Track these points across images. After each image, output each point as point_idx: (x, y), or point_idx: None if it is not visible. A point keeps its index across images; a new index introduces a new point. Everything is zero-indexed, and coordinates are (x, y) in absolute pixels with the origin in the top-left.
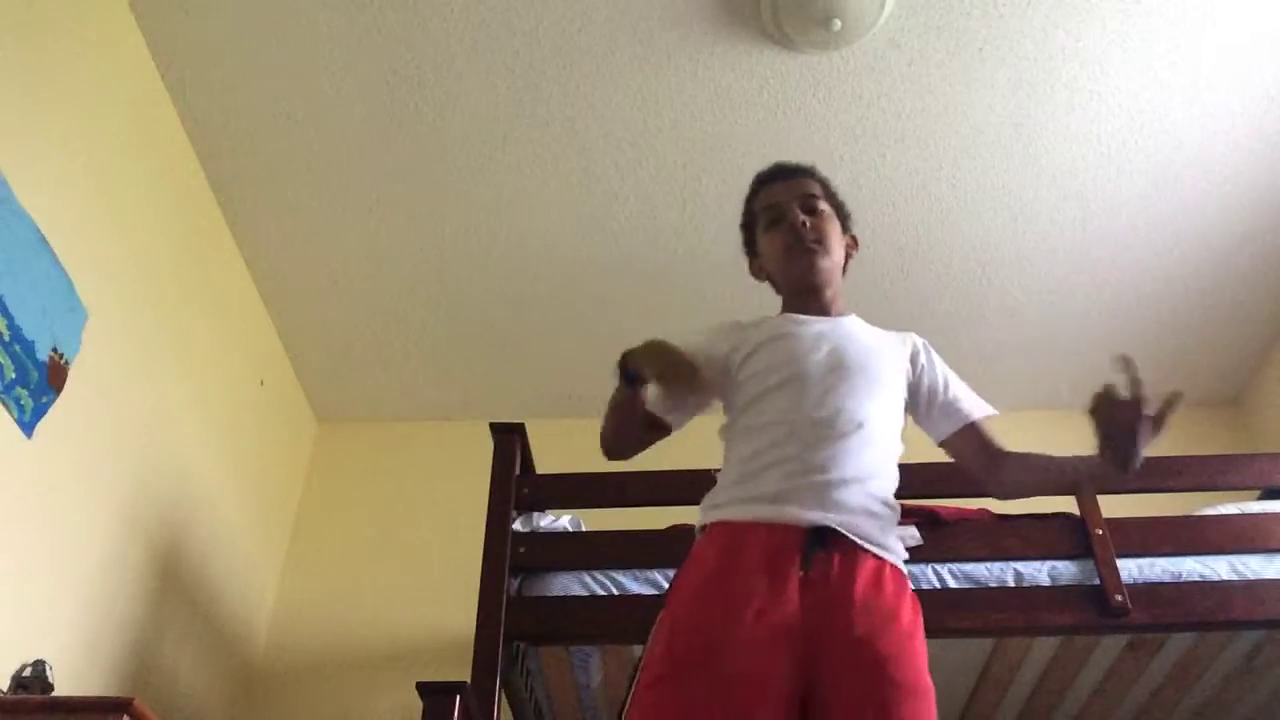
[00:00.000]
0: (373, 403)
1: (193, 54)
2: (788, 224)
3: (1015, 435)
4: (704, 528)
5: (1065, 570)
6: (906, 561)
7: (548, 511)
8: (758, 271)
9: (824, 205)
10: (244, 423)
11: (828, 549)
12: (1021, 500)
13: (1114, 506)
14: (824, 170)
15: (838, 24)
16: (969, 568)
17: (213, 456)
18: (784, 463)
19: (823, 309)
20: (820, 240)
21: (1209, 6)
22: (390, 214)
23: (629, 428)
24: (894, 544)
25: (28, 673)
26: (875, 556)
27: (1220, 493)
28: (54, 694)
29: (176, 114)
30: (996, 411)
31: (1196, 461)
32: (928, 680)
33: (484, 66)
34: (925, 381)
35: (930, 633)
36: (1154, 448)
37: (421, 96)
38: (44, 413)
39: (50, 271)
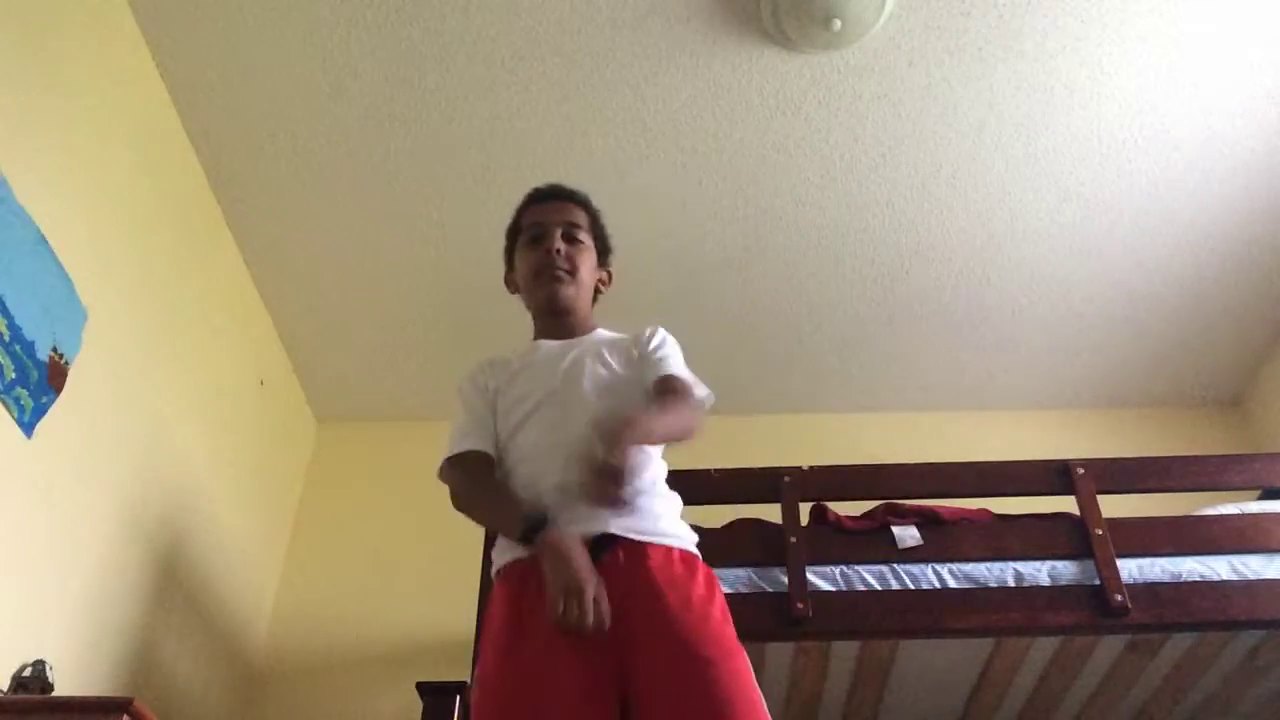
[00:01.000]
0: (373, 403)
1: (193, 55)
2: (544, 248)
3: (1015, 435)
4: (496, 574)
5: (1065, 570)
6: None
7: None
8: (510, 284)
9: (584, 237)
10: (244, 423)
11: (611, 553)
12: (1022, 500)
13: (1114, 506)
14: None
15: (838, 24)
16: (969, 568)
17: (213, 456)
18: (552, 488)
19: (568, 331)
20: (571, 270)
21: (1209, 6)
22: (390, 214)
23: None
24: (674, 529)
25: (28, 673)
26: (658, 546)
27: (1220, 493)
28: (54, 694)
29: (177, 114)
30: (682, 376)
31: (1196, 461)
32: (734, 642)
33: (484, 67)
34: (644, 355)
35: (930, 633)
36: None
37: (421, 97)
38: (44, 413)
39: (50, 271)
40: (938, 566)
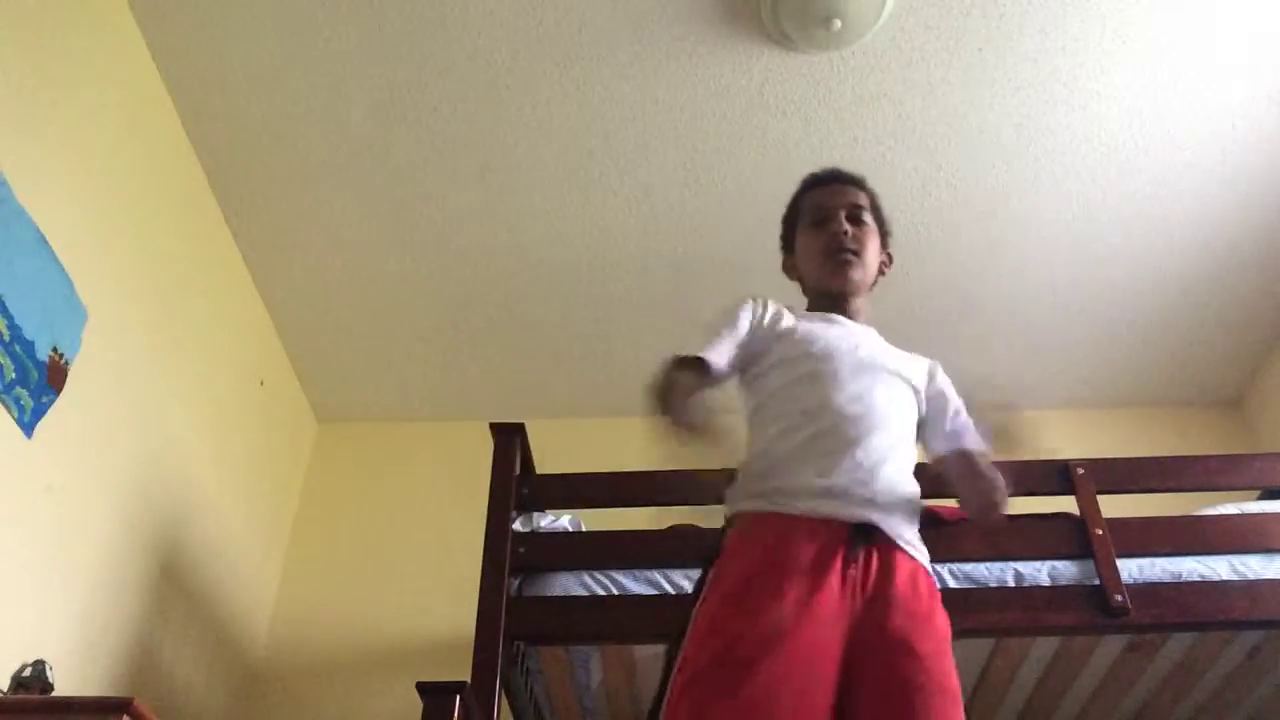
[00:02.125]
0: (373, 403)
1: (193, 55)
2: (831, 229)
3: None
4: (736, 516)
5: (1065, 570)
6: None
7: (548, 511)
8: (790, 269)
9: (869, 218)
10: (244, 423)
11: (868, 547)
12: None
13: (1114, 506)
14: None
15: (838, 24)
16: (969, 568)
17: (213, 456)
18: (821, 456)
19: (850, 316)
20: (859, 251)
21: (1209, 6)
22: (390, 215)
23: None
24: (923, 546)
25: (28, 673)
26: (910, 556)
27: (1220, 493)
28: (54, 694)
29: (177, 114)
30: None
31: (1196, 461)
32: (958, 684)
33: (484, 67)
34: (937, 402)
35: None
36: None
37: (421, 97)
38: (44, 413)
39: (50, 271)
40: (938, 566)
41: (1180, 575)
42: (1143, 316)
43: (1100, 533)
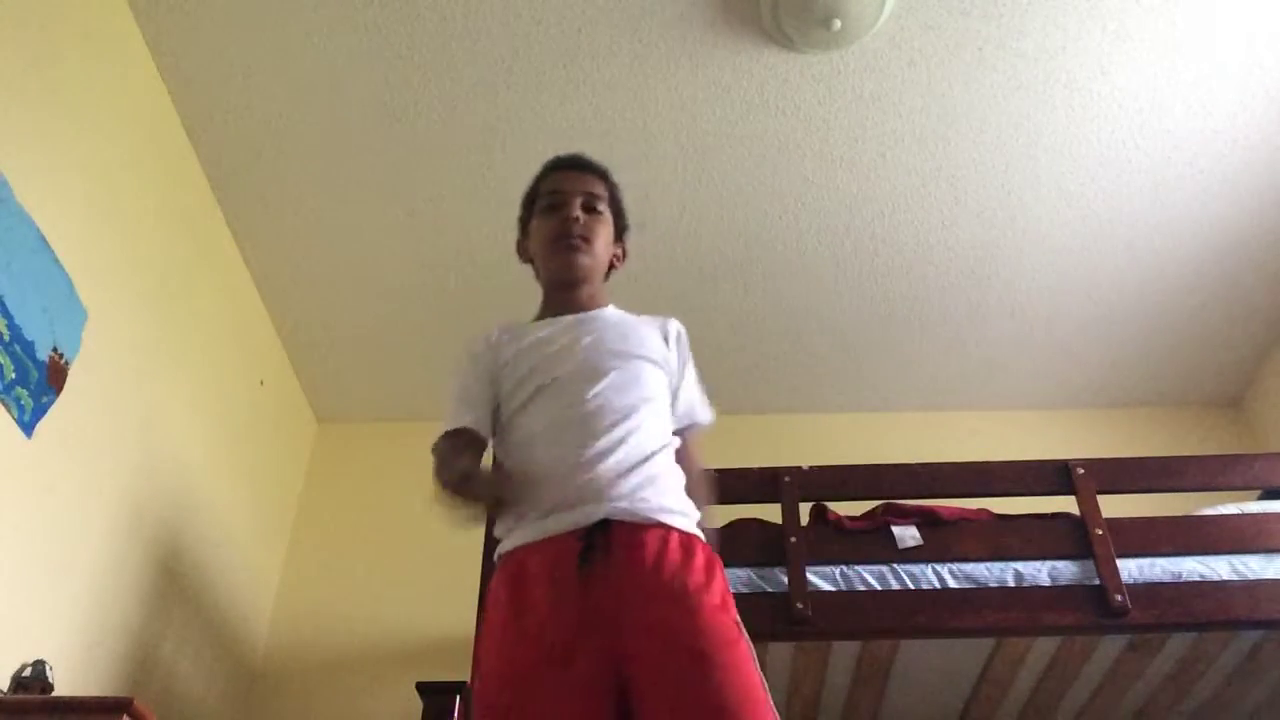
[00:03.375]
0: (373, 403)
1: (193, 55)
2: (561, 215)
3: (1015, 435)
4: (497, 560)
5: (1065, 570)
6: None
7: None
8: (523, 251)
9: (603, 208)
10: (244, 423)
11: (607, 539)
12: (1022, 500)
13: (1114, 506)
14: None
15: (838, 24)
16: (969, 568)
17: (213, 456)
18: (554, 473)
19: (580, 304)
20: (587, 239)
21: (1209, 6)
22: (390, 214)
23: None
24: (675, 506)
25: (28, 673)
26: (656, 527)
27: (1220, 493)
28: (54, 694)
29: (177, 114)
30: (708, 420)
31: (1196, 461)
32: (733, 631)
33: (484, 67)
34: (678, 370)
35: (930, 633)
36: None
37: (421, 97)
38: (44, 413)
39: (50, 271)
40: (938, 566)
41: (1180, 575)
42: (1143, 316)
43: (1100, 533)
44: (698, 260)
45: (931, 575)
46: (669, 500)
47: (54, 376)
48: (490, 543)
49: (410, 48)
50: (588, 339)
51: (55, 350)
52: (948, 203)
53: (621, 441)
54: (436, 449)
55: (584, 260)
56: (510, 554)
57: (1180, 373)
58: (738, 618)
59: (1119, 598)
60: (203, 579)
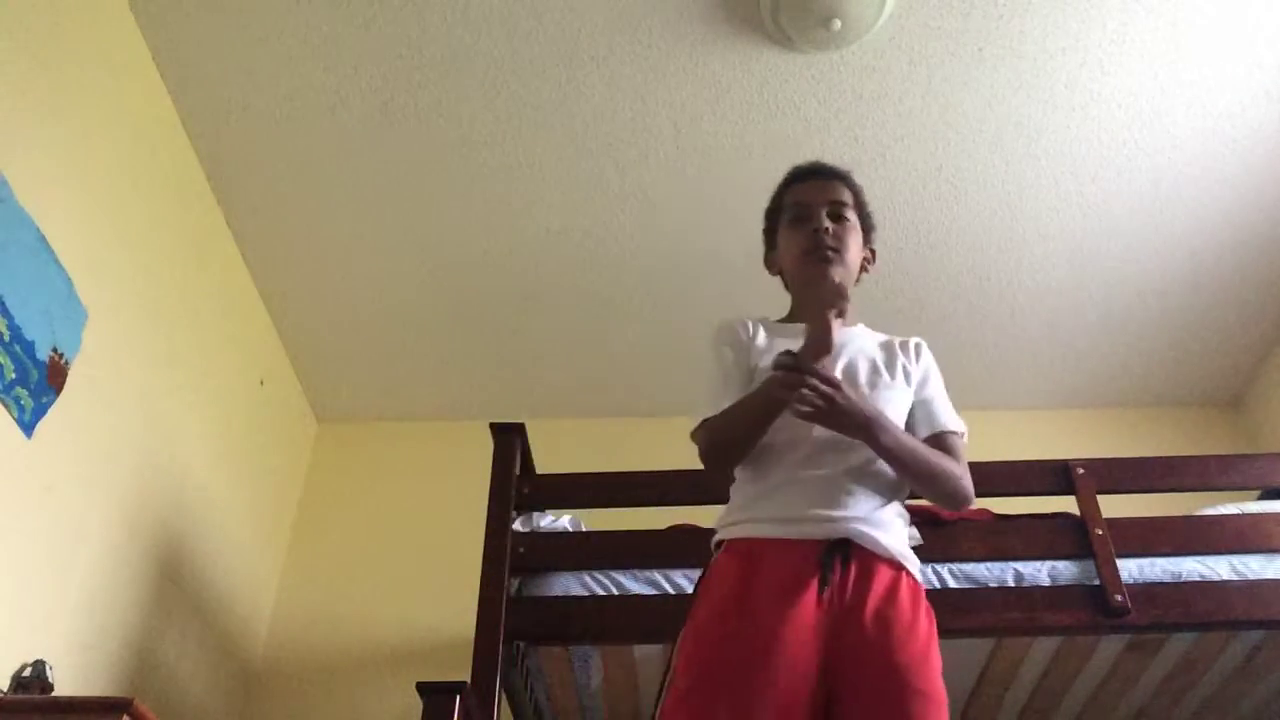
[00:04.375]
0: (373, 403)
1: (193, 54)
2: (811, 227)
3: (1015, 435)
4: (720, 544)
5: (1065, 570)
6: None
7: (548, 511)
8: (771, 264)
9: (850, 215)
10: (244, 423)
11: (845, 561)
12: (1022, 500)
13: (1114, 506)
14: None
15: (838, 24)
16: (969, 568)
17: (213, 456)
18: (798, 481)
19: None
20: (838, 249)
21: (1209, 6)
22: (390, 214)
23: (751, 436)
24: (909, 552)
25: (28, 673)
26: (891, 566)
27: (1220, 493)
28: (54, 694)
29: (177, 114)
30: (962, 429)
31: (1196, 461)
32: (943, 689)
33: (484, 67)
34: (915, 380)
35: None
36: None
37: (421, 97)
38: (44, 413)
39: (50, 271)
40: (938, 566)
41: (1180, 575)
42: (1143, 316)
43: (1100, 533)
44: (697, 260)
45: (931, 575)
46: (903, 545)
47: (54, 376)
48: (491, 544)
49: (410, 48)
50: (847, 367)
51: (55, 350)
52: (948, 203)
53: (864, 470)
54: (700, 435)
55: (837, 273)
56: (743, 540)
57: (1180, 373)
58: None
59: (1119, 598)
60: (202, 579)
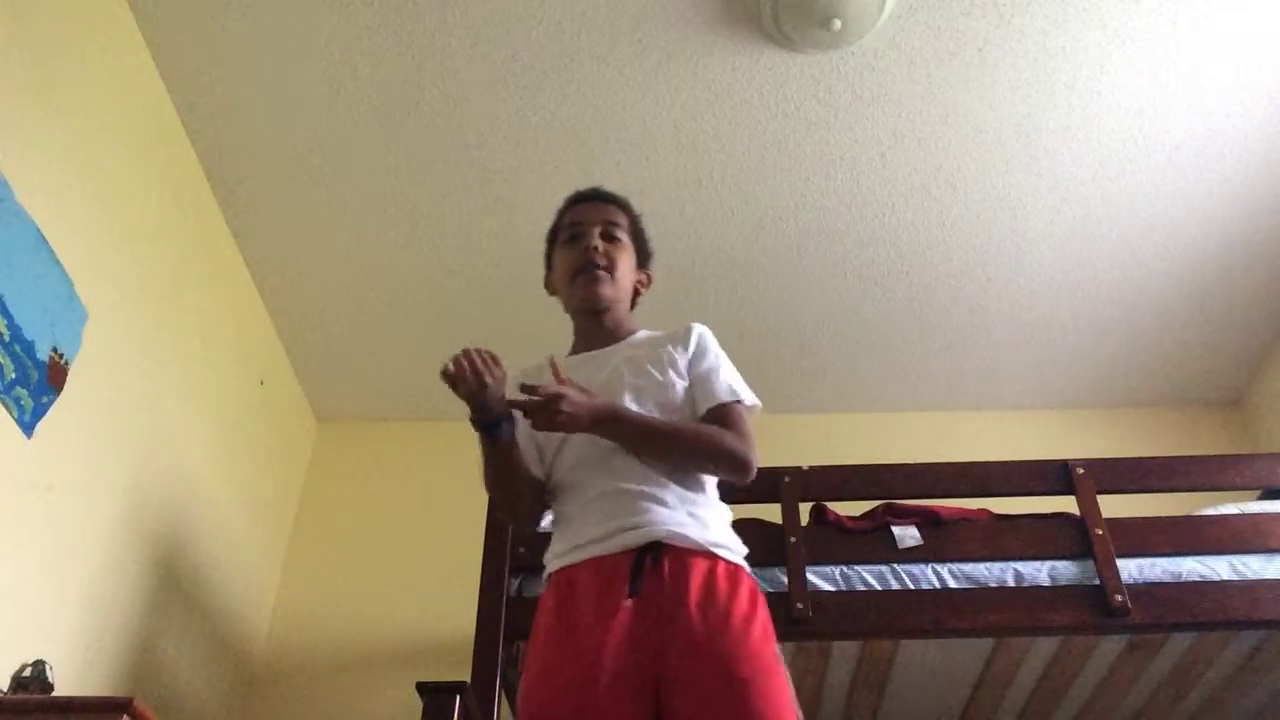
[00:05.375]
0: (373, 403)
1: (193, 54)
2: (583, 245)
3: (1015, 435)
4: (549, 577)
5: (1065, 570)
6: (751, 567)
7: (548, 511)
8: (549, 286)
9: (623, 235)
10: (244, 423)
11: (656, 563)
12: (1022, 500)
13: (1114, 506)
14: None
15: (838, 24)
16: (969, 568)
17: (213, 456)
18: (599, 499)
19: (607, 334)
20: (609, 268)
21: (1209, 6)
22: (390, 214)
23: (513, 485)
24: (723, 538)
25: (28, 673)
26: (706, 557)
27: (1220, 493)
28: (54, 694)
29: (177, 114)
30: (741, 398)
31: (1196, 461)
32: (771, 662)
33: (484, 67)
34: (685, 364)
35: (930, 633)
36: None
37: (421, 97)
38: (44, 413)
39: (50, 271)
40: (938, 566)
41: (1180, 575)
42: (1143, 316)
43: (1100, 533)
44: (697, 260)
45: (931, 575)
46: (715, 534)
47: (54, 376)
48: (491, 544)
49: (410, 48)
50: (607, 373)
51: (55, 350)
52: (948, 203)
53: (660, 474)
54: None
55: (605, 289)
56: (560, 571)
57: (1180, 373)
58: (778, 650)
59: (1119, 598)
60: (203, 579)
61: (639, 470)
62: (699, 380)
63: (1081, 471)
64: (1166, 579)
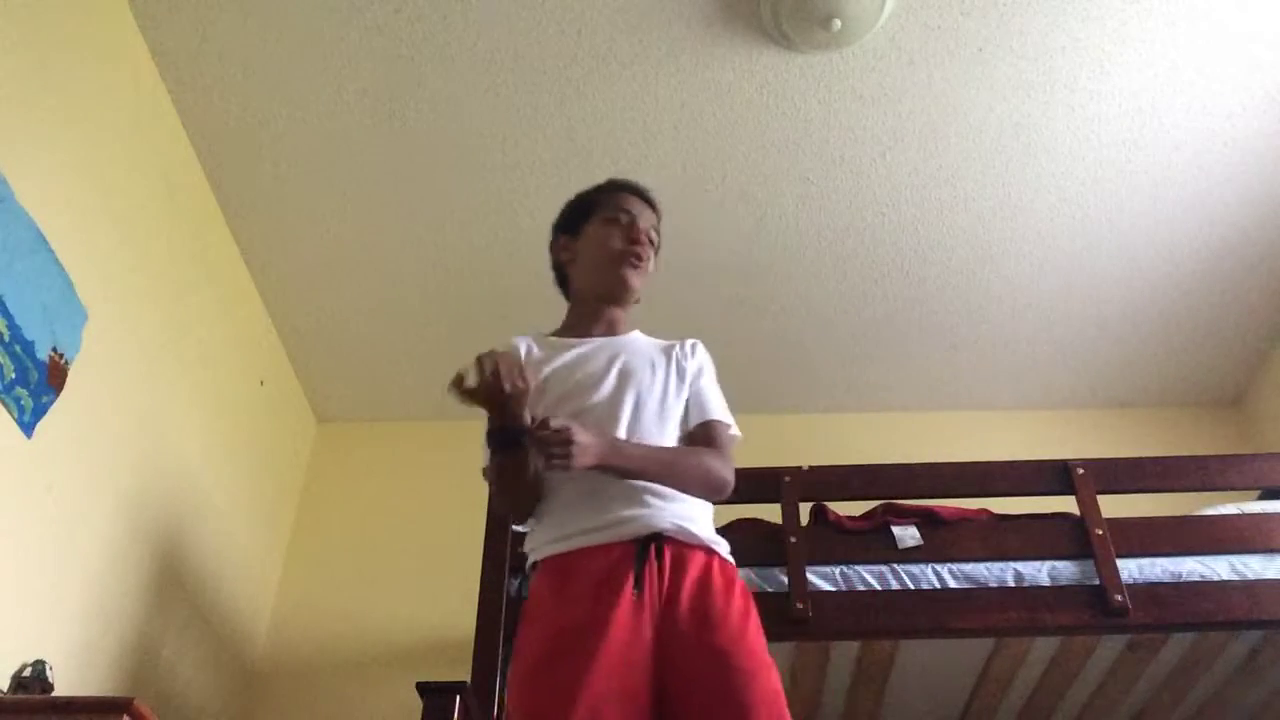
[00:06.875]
0: (373, 403)
1: (193, 54)
2: (634, 233)
3: (1015, 435)
4: (535, 564)
5: (1065, 570)
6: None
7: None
8: (561, 250)
9: (658, 245)
10: (244, 423)
11: (658, 555)
12: (1022, 500)
13: (1114, 506)
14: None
15: (838, 24)
16: (969, 568)
17: (213, 457)
18: (600, 489)
19: (609, 323)
20: (646, 262)
21: (1209, 6)
22: (390, 214)
23: (533, 491)
24: (717, 538)
25: (28, 673)
26: (704, 552)
27: (1220, 493)
28: (54, 694)
29: (177, 114)
30: (731, 425)
31: (1196, 461)
32: (766, 657)
33: (484, 67)
34: (690, 374)
35: (930, 633)
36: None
37: (422, 97)
38: (44, 413)
39: (50, 271)
40: (938, 566)
41: (1180, 575)
42: (1143, 316)
43: (1100, 533)
44: (697, 260)
45: (931, 575)
46: (710, 531)
47: (54, 376)
48: (491, 544)
49: (410, 48)
50: (618, 364)
51: (55, 350)
52: (947, 203)
53: None
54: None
55: (637, 281)
56: (552, 558)
57: (1180, 373)
58: (766, 646)
59: (1119, 598)
60: (203, 579)
61: None
62: (698, 393)
63: (1081, 471)
64: (1166, 579)
